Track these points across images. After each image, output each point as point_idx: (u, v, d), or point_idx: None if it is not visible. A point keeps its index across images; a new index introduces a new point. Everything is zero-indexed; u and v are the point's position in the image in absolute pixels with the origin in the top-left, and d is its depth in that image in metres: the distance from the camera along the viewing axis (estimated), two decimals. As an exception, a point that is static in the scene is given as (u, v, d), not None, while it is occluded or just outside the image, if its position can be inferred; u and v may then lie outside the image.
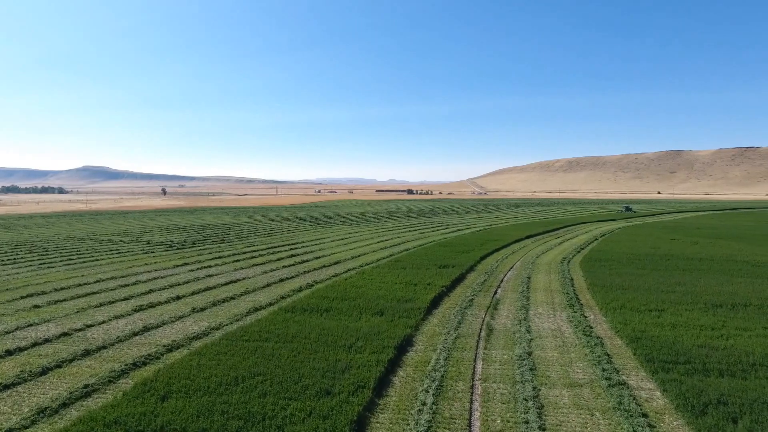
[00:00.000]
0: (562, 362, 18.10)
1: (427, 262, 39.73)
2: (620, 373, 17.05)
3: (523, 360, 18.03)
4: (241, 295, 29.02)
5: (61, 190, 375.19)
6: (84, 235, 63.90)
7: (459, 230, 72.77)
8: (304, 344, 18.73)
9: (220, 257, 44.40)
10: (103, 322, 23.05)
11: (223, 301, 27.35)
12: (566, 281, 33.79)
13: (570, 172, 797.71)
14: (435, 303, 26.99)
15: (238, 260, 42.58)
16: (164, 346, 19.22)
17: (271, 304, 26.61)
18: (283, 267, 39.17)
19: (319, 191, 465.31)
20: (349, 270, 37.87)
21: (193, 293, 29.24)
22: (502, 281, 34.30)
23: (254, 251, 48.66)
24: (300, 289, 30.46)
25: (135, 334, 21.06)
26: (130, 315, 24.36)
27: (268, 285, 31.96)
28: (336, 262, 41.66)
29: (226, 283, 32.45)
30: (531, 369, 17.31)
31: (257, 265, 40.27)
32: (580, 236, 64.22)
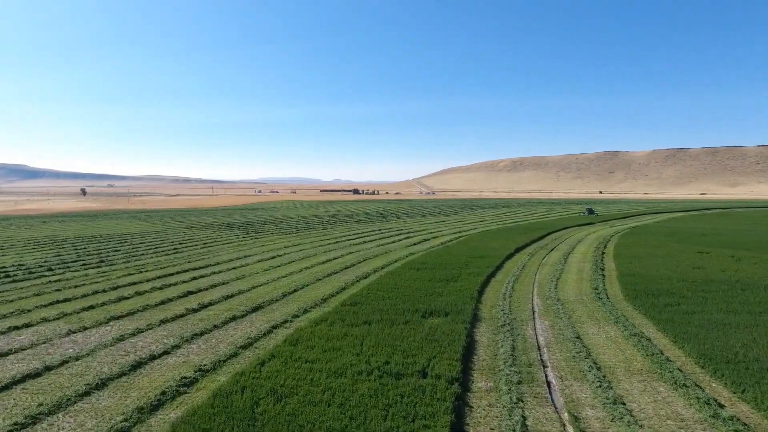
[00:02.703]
0: None
1: (403, 306, 24.84)
2: None
3: None
4: (9, 434, 12.78)
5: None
6: None
7: (425, 240, 58.33)
8: None
9: (67, 300, 27.35)
10: None
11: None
12: (645, 346, 19.84)
13: (514, 171, 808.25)
14: (457, 452, 11.98)
15: (92, 306, 25.77)
16: None
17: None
18: (161, 323, 22.90)
19: (259, 191, 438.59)
20: (274, 328, 22.16)
21: None
22: (540, 349, 19.83)
23: (134, 283, 31.85)
24: (157, 404, 14.48)
25: None
26: None
27: (100, 386, 15.74)
28: (256, 308, 25.79)
29: (15, 382, 15.93)
30: None
31: (119, 317, 23.75)
32: (577, 248, 51.44)
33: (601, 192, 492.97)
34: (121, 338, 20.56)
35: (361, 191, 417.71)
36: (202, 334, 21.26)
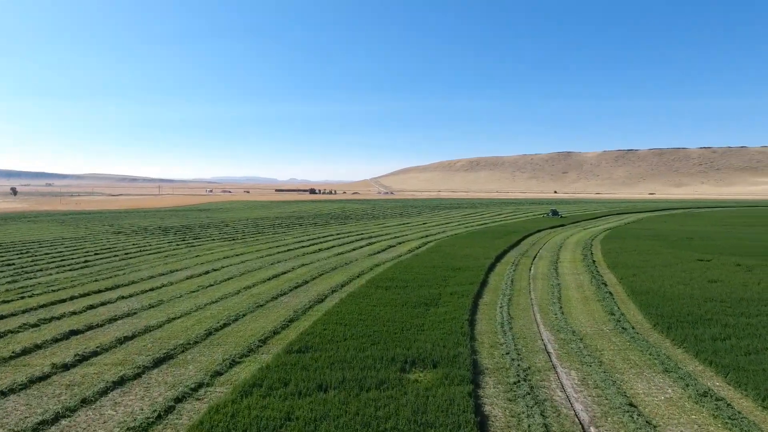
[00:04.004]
0: None
1: (372, 352, 17.78)
2: None
3: None
4: None
5: None
6: None
7: (390, 246, 51.32)
8: None
9: None
10: None
11: None
12: (732, 417, 13.65)
13: (471, 171, 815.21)
14: None
15: None
16: None
17: None
18: (-1, 397, 14.72)
19: (210, 191, 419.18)
20: (177, 402, 14.38)
21: None
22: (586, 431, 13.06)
23: (1, 318, 23.14)
24: None
25: None
26: None
27: None
28: (162, 359, 17.90)
29: None
30: None
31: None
32: (561, 255, 45.75)
33: (555, 192, 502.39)
34: None
35: (318, 191, 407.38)
36: (54, 420, 13.28)
